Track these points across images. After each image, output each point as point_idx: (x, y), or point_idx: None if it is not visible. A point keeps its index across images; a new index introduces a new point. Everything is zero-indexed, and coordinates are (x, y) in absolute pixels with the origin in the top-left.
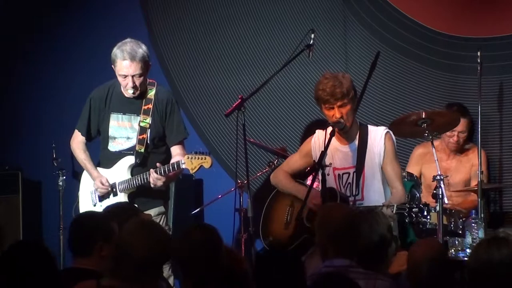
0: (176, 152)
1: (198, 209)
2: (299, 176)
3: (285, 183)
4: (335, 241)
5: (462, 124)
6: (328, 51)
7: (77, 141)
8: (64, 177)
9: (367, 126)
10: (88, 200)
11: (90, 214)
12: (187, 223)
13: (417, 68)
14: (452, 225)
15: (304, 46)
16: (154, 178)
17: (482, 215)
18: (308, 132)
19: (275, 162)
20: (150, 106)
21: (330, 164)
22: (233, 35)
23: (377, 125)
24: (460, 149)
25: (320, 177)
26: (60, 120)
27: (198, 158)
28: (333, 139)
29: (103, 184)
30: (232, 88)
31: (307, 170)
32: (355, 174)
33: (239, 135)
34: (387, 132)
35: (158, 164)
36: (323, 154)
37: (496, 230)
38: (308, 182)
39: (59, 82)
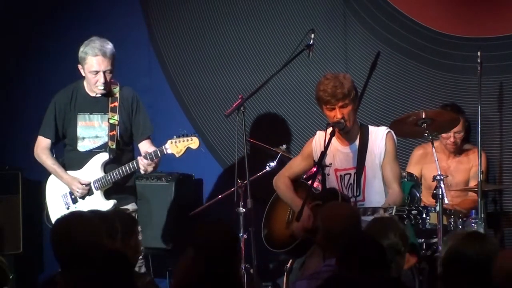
0: (145, 147)
1: (198, 209)
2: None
3: (284, 192)
4: (336, 240)
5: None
6: (328, 51)
7: (42, 147)
8: None
9: (368, 127)
10: (59, 204)
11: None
12: (187, 223)
13: (417, 68)
14: (452, 225)
15: (304, 46)
16: (145, 164)
17: (482, 215)
18: (308, 132)
19: (275, 162)
20: (116, 104)
21: (330, 164)
22: (233, 35)
23: (377, 125)
24: (459, 150)
25: (320, 177)
26: None
27: (183, 141)
28: (334, 140)
29: (82, 184)
30: (232, 88)
31: (304, 177)
32: (356, 175)
33: (239, 135)
34: (389, 132)
35: (146, 151)
36: (323, 154)
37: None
38: (308, 182)
39: (59, 82)
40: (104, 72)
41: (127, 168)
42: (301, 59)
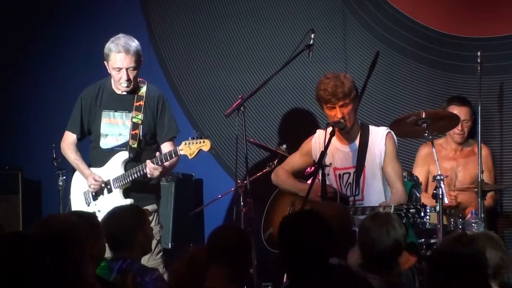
0: (167, 148)
1: (198, 209)
2: (299, 177)
3: (285, 181)
4: None
5: (465, 113)
6: (328, 51)
7: (68, 142)
8: (64, 177)
9: (368, 126)
10: (81, 200)
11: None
12: (187, 223)
13: (417, 68)
14: (452, 225)
15: (304, 46)
16: (151, 168)
17: (482, 215)
18: (308, 131)
19: (275, 162)
20: (142, 102)
21: (330, 164)
22: (233, 35)
23: (377, 125)
24: (466, 142)
25: (320, 176)
26: (60, 120)
27: (196, 143)
28: (334, 139)
29: (96, 180)
30: (232, 88)
31: (306, 173)
32: (355, 174)
33: (239, 135)
34: (389, 132)
35: (157, 153)
36: (323, 154)
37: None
38: (309, 182)
39: (59, 82)
40: (127, 69)
41: (136, 171)
42: (301, 59)
